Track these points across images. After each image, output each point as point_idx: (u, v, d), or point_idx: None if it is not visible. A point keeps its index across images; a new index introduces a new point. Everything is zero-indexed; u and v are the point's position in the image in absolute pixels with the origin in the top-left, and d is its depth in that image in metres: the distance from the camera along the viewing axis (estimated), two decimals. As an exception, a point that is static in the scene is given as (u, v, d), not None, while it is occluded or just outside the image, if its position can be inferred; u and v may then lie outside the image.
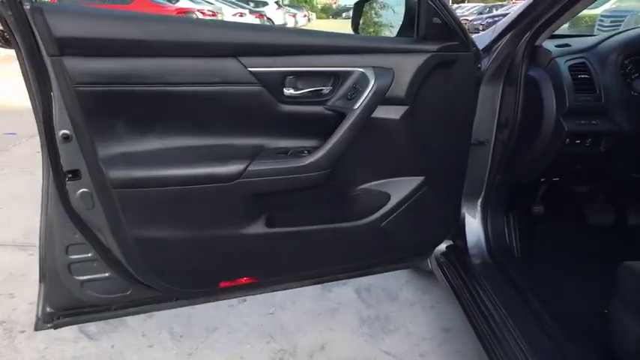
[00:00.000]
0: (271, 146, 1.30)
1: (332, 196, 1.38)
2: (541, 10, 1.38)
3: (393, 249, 1.54)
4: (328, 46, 1.27)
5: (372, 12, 1.58)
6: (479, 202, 1.75)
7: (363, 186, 1.41)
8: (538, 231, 1.87)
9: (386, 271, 1.68)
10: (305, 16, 22.46)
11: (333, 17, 34.90)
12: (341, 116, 1.27)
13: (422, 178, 1.44)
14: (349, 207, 1.42)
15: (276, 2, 18.90)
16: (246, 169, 1.20)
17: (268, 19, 16.91)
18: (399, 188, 1.43)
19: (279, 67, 1.22)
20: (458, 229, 1.74)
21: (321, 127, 1.31)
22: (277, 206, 1.33)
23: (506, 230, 1.76)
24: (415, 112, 1.35)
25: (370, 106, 1.27)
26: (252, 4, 17.33)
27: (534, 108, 1.50)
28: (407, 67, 1.31)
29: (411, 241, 1.52)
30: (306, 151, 1.30)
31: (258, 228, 1.31)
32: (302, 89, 1.27)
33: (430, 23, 1.33)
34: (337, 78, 1.28)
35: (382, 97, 1.28)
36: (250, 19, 15.34)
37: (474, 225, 1.74)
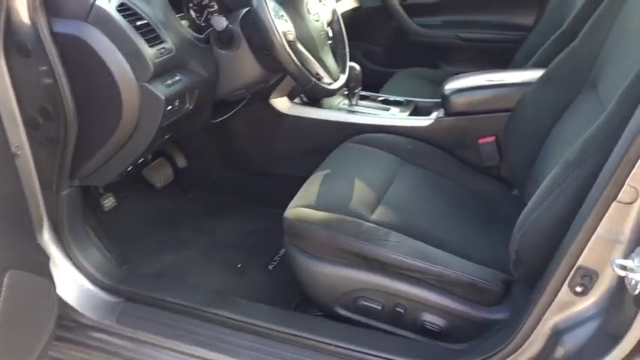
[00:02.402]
0: None
1: None
2: None
3: None
4: None
5: None
6: (46, 236, 1.21)
7: None
8: (122, 223, 1.55)
9: None
10: None
11: None
12: None
13: None
14: None
15: None
16: None
17: None
18: None
19: None
20: None
21: None
22: None
23: (93, 247, 1.33)
24: None
25: None
26: None
27: (99, 80, 1.08)
28: None
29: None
30: None
31: None
32: None
33: None
34: None
35: None
36: None
37: (61, 268, 1.21)
